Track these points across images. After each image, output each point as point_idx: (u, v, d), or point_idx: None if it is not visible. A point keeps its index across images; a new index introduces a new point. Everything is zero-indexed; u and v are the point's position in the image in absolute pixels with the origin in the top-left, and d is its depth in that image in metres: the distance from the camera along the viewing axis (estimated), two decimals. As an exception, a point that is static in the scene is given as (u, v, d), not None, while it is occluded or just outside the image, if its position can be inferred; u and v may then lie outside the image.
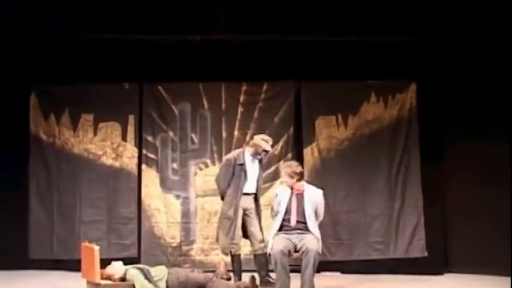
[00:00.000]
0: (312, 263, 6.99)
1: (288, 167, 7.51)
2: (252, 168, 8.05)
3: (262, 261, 7.91)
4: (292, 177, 7.40)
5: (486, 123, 8.93)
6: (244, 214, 7.99)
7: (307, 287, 7.02)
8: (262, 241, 7.92)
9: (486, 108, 8.98)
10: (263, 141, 8.02)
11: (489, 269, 8.76)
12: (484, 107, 8.99)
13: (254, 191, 8.06)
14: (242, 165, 7.98)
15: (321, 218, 7.48)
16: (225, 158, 8.31)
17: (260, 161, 8.15)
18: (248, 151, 8.07)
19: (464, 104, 9.14)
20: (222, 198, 8.09)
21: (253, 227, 7.98)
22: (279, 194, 7.50)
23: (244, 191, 7.98)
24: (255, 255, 8.02)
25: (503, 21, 8.57)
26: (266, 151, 8.08)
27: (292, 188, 7.41)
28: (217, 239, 8.15)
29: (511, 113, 8.59)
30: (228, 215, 7.91)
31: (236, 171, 7.98)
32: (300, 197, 7.38)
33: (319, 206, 7.43)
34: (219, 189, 8.15)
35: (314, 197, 7.42)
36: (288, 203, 7.36)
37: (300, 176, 7.48)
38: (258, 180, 8.11)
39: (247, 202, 8.01)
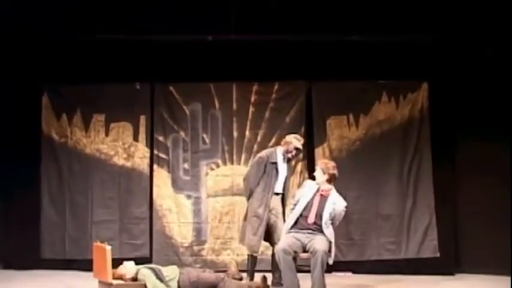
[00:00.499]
0: (320, 263, 6.95)
1: (324, 163, 7.48)
2: (282, 168, 7.99)
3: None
4: (324, 173, 7.36)
5: (498, 122, 8.90)
6: (270, 213, 7.93)
7: (317, 287, 7.01)
8: None
9: (498, 108, 8.94)
10: (295, 139, 7.97)
11: (501, 270, 8.72)
12: (496, 106, 8.96)
13: (282, 191, 8.01)
14: (275, 163, 7.92)
15: (335, 225, 7.44)
16: (257, 155, 8.19)
17: (289, 161, 8.09)
18: (279, 150, 8.00)
19: (476, 104, 9.11)
20: (248, 198, 8.00)
21: (278, 229, 7.85)
22: (305, 187, 7.44)
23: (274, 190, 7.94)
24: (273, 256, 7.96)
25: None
26: (297, 149, 7.97)
27: (319, 188, 7.38)
28: (241, 239, 8.10)
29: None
30: (258, 213, 7.82)
31: (268, 169, 7.90)
32: (324, 199, 7.30)
33: (337, 216, 7.36)
34: (246, 187, 8.03)
35: (337, 205, 7.33)
36: (311, 200, 7.32)
37: (332, 178, 7.39)
38: (285, 181, 8.05)
39: (275, 202, 7.95)
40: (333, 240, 7.24)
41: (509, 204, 8.61)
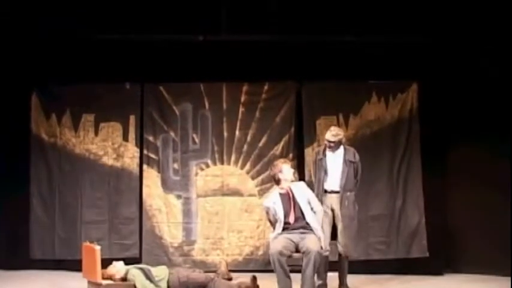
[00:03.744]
0: (313, 263, 6.98)
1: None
2: (334, 164, 7.91)
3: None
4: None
5: (487, 123, 8.93)
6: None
7: (308, 287, 7.02)
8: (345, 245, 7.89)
9: (487, 109, 8.97)
10: (328, 132, 7.94)
11: (490, 269, 8.78)
12: (485, 107, 8.99)
13: (337, 189, 7.89)
14: (321, 160, 7.92)
15: (317, 208, 7.47)
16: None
17: (351, 160, 7.94)
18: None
19: (465, 104, 9.14)
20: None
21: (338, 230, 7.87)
22: (271, 206, 7.38)
23: (326, 187, 7.89)
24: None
25: (505, 20, 8.58)
26: (330, 141, 7.86)
27: (281, 193, 7.38)
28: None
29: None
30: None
31: (317, 166, 7.96)
32: (288, 195, 7.36)
33: (310, 197, 7.42)
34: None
35: (300, 189, 7.40)
36: (284, 206, 7.33)
37: (276, 181, 7.44)
38: (342, 178, 7.88)
39: (331, 201, 7.91)
40: (322, 235, 7.27)
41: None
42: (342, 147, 7.98)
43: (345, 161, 7.91)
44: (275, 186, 7.51)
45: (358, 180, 8.06)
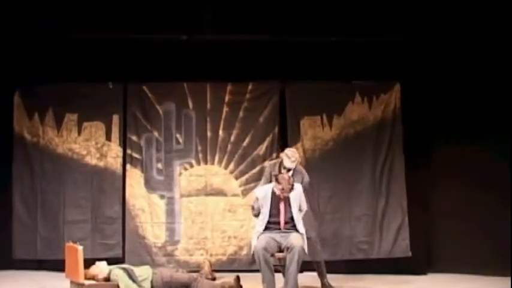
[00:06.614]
0: (297, 259, 6.99)
1: (283, 179, 7.32)
2: None
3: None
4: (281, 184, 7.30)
5: (470, 122, 9.00)
6: None
7: (291, 284, 7.02)
8: None
9: (470, 108, 9.04)
10: (286, 158, 7.89)
11: (473, 269, 8.84)
12: (468, 106, 9.05)
13: None
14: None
15: (304, 207, 7.49)
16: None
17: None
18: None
19: (448, 104, 9.19)
20: None
21: None
22: (260, 197, 7.41)
23: None
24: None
25: (488, 21, 8.64)
26: (290, 169, 7.84)
27: (275, 193, 7.36)
28: None
29: (495, 113, 8.68)
30: None
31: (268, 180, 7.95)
32: (286, 200, 7.35)
33: (302, 203, 7.46)
34: None
35: (298, 195, 7.41)
36: (273, 206, 7.33)
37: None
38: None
39: None
40: (304, 234, 7.28)
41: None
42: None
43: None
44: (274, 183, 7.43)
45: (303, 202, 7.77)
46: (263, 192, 7.46)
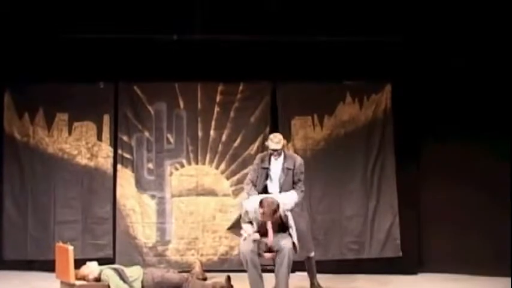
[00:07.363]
0: (287, 261, 6.97)
1: (266, 202, 7.07)
2: (276, 171, 7.78)
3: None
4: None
5: (461, 122, 9.02)
6: None
7: (282, 286, 7.01)
8: None
9: (460, 108, 9.06)
10: (269, 140, 7.79)
11: (464, 269, 8.86)
12: (458, 106, 9.07)
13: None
14: (267, 169, 7.79)
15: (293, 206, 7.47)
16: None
17: (288, 168, 7.77)
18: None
19: (439, 105, 9.21)
20: None
21: None
22: (251, 213, 7.21)
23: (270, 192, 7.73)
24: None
25: (477, 21, 8.67)
26: (275, 150, 7.72)
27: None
28: None
29: (486, 112, 8.71)
30: None
31: (260, 173, 7.81)
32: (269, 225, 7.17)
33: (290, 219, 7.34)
34: None
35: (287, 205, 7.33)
36: (261, 225, 7.15)
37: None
38: (280, 185, 7.75)
39: None
40: (294, 232, 7.23)
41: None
42: (283, 154, 7.84)
43: (283, 169, 7.79)
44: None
45: (300, 187, 7.78)
46: (251, 208, 7.23)
